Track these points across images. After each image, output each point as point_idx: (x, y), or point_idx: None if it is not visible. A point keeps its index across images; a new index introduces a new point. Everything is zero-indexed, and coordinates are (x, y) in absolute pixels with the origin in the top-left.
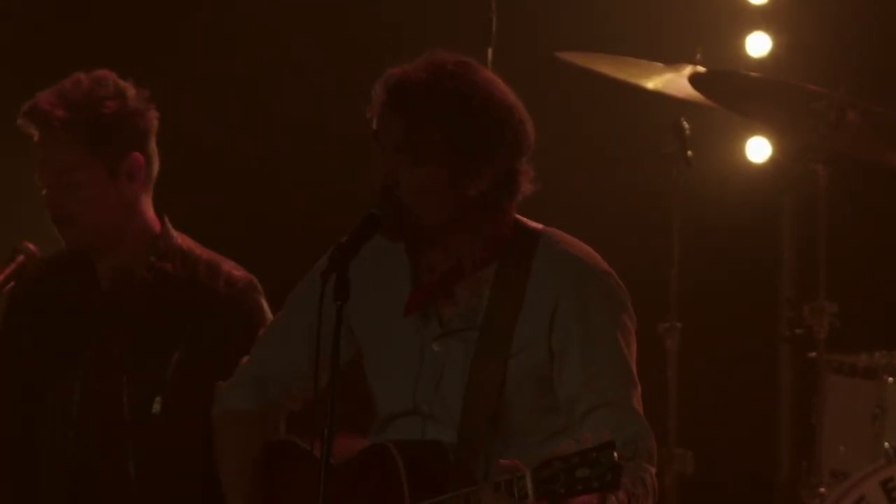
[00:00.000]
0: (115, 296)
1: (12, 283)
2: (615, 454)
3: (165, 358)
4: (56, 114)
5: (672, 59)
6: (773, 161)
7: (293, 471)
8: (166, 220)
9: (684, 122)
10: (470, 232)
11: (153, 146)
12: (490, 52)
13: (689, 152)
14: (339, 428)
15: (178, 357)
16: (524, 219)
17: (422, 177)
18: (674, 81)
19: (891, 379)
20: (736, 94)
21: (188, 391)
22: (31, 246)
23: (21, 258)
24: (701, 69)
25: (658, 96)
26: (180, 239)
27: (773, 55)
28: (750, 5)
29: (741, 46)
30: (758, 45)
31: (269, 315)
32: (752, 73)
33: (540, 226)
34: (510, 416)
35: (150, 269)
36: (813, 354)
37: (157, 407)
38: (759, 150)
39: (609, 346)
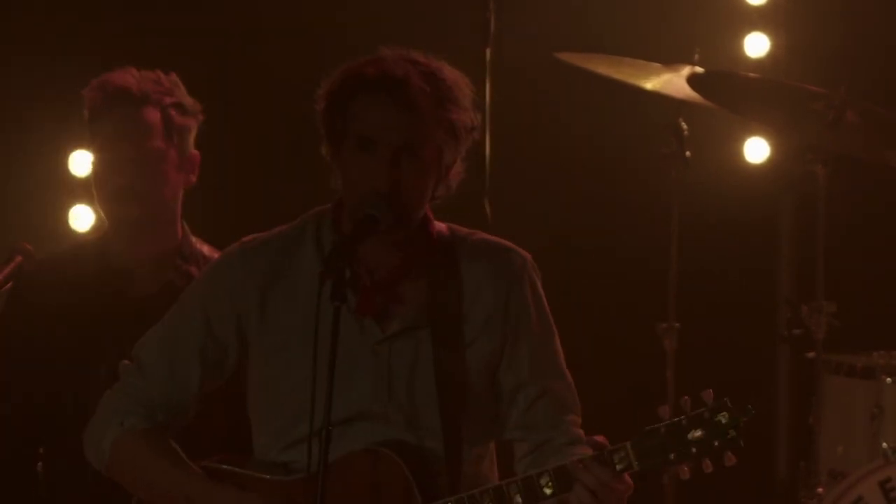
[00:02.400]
0: (144, 298)
1: (10, 284)
2: (731, 410)
3: None
4: (142, 92)
5: (670, 60)
6: (771, 161)
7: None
8: (185, 224)
9: (682, 123)
10: (420, 230)
11: None
12: (488, 52)
13: (688, 153)
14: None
15: None
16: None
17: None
18: (672, 82)
19: (889, 379)
20: (734, 94)
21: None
22: (28, 246)
23: (19, 258)
24: (699, 70)
25: (656, 97)
26: (198, 243)
27: (772, 55)
28: (748, 6)
29: (739, 47)
30: (756, 45)
31: None
32: (751, 74)
33: (441, 223)
34: (472, 408)
35: (176, 271)
36: (811, 355)
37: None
38: (757, 150)
39: (552, 330)
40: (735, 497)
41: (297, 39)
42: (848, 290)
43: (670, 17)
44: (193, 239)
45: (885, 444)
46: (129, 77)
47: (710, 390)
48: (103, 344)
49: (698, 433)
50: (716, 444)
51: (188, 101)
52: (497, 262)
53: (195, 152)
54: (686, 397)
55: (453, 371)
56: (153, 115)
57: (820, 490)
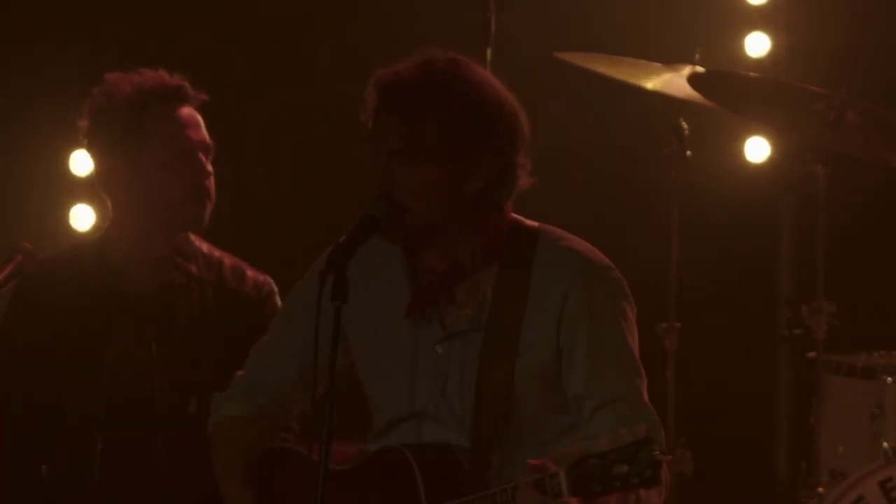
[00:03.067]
0: (142, 296)
1: (13, 283)
2: (655, 450)
3: (199, 361)
4: (187, 88)
5: (671, 60)
6: (771, 161)
7: (292, 477)
8: None
9: (683, 123)
10: (468, 230)
11: None
12: (489, 52)
13: (688, 152)
14: (335, 433)
15: (213, 359)
16: (520, 217)
17: (419, 177)
18: (672, 82)
19: (889, 379)
20: (735, 94)
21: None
22: (28, 246)
23: (19, 258)
24: (700, 69)
25: (657, 96)
26: (197, 241)
27: (772, 55)
28: (749, 5)
29: (740, 47)
30: (757, 45)
31: None
32: (751, 74)
33: (536, 223)
34: (520, 417)
35: (177, 269)
36: (812, 354)
37: (193, 408)
38: (757, 150)
39: (616, 342)
40: (735, 497)
41: (297, 39)
42: (848, 290)
43: (671, 17)
44: (192, 237)
45: (885, 444)
46: (162, 75)
47: (644, 426)
48: (104, 344)
49: (624, 468)
50: (635, 482)
51: None
52: (565, 270)
53: None
54: (624, 430)
55: (497, 379)
56: (194, 109)
57: (820, 490)
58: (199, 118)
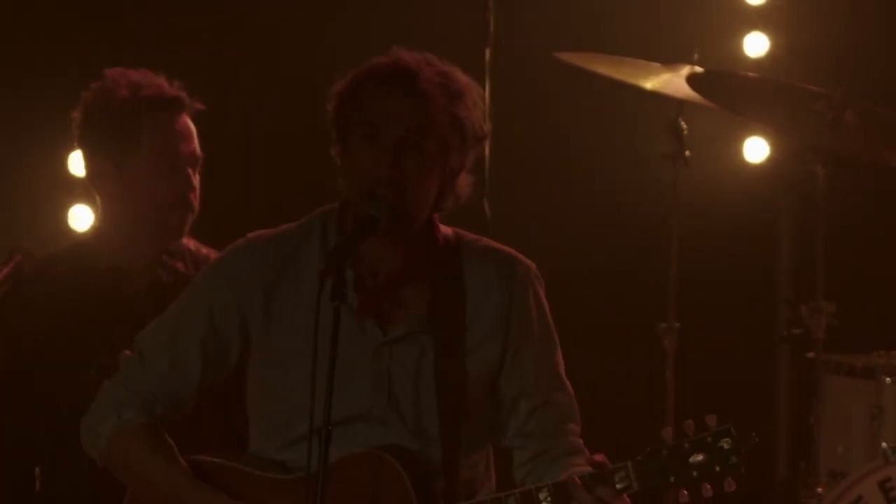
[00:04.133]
0: (128, 298)
1: (9, 285)
2: (734, 438)
3: None
4: (182, 97)
5: (670, 60)
6: (771, 161)
7: (230, 490)
8: None
9: (682, 123)
10: (424, 234)
11: None
12: (488, 52)
13: (687, 152)
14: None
15: None
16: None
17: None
18: (671, 82)
19: (888, 379)
20: (734, 94)
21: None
22: (27, 246)
23: (18, 258)
24: (699, 69)
25: (656, 96)
26: (184, 239)
27: (771, 55)
28: (747, 5)
29: (739, 47)
30: (755, 45)
31: None
32: (750, 74)
33: (448, 228)
34: (471, 416)
35: (164, 268)
36: (811, 354)
37: None
38: (757, 150)
39: (553, 341)
40: (735, 497)
41: (297, 39)
42: (848, 290)
43: (670, 17)
44: None
45: (884, 444)
46: (160, 81)
47: (715, 416)
48: (94, 344)
49: (700, 457)
50: (717, 469)
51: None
52: (501, 270)
53: None
54: (690, 421)
55: (454, 378)
56: (189, 119)
57: (820, 490)
58: (193, 129)
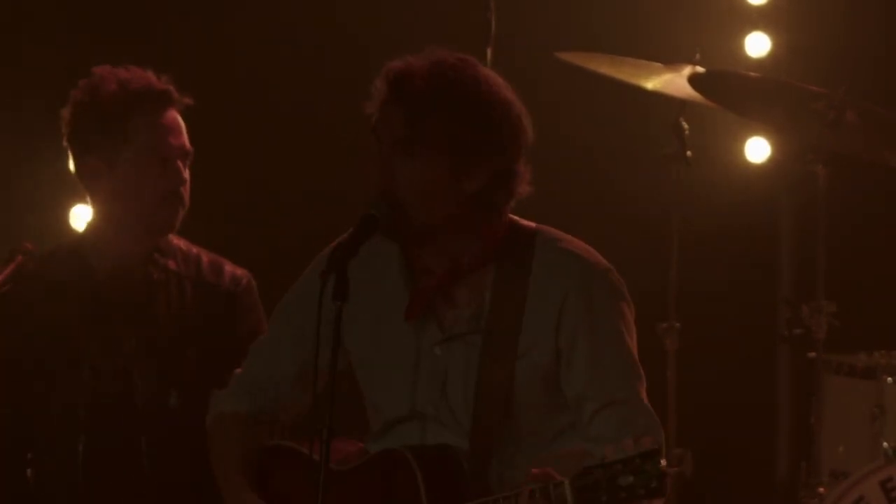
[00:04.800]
0: (121, 294)
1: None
2: (662, 462)
3: (179, 354)
4: (171, 91)
5: (671, 60)
6: (772, 161)
7: (292, 476)
8: None
9: (683, 123)
10: (466, 231)
11: None
12: (489, 52)
13: (689, 152)
14: (336, 432)
15: (192, 354)
16: (517, 218)
17: (420, 170)
18: (673, 81)
19: (889, 379)
20: (735, 94)
21: (203, 387)
22: (29, 246)
23: (20, 258)
24: (700, 69)
25: (657, 96)
26: (174, 238)
27: (772, 55)
28: (749, 5)
29: (740, 46)
30: (757, 45)
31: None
32: (752, 74)
33: (533, 224)
34: (520, 418)
35: (154, 266)
36: (812, 354)
37: (173, 400)
38: (758, 150)
39: (615, 343)
40: (735, 497)
41: (297, 39)
42: (849, 290)
43: (671, 17)
44: (169, 235)
45: (885, 444)
46: (150, 77)
47: (650, 437)
48: (86, 343)
49: (629, 480)
50: (641, 492)
51: None
52: (563, 271)
53: None
54: (629, 440)
55: (497, 381)
56: (178, 114)
57: (821, 490)
58: (182, 123)
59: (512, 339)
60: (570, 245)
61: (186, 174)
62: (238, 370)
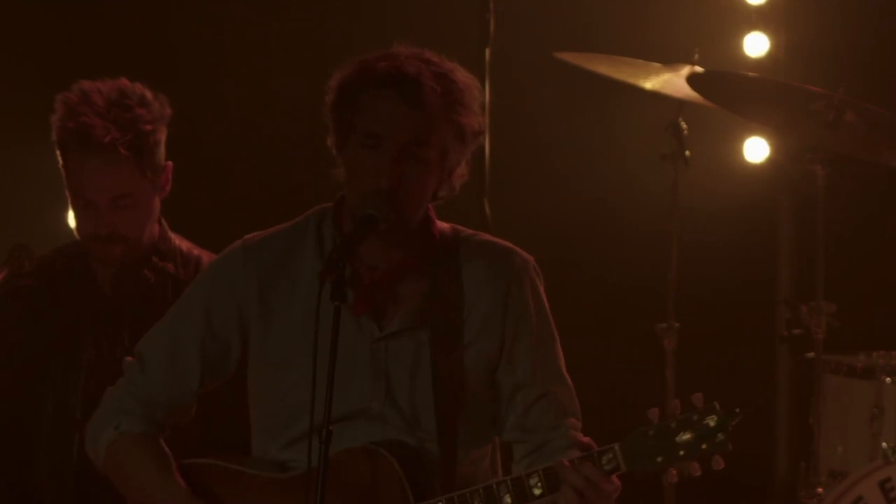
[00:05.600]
0: (117, 297)
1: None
2: (720, 416)
3: None
4: (109, 138)
5: (670, 60)
6: (771, 161)
7: (226, 491)
8: (163, 220)
9: (682, 123)
10: (420, 230)
11: None
12: (488, 52)
13: (687, 152)
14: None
15: None
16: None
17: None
18: (671, 82)
19: (889, 379)
20: (734, 94)
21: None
22: (27, 245)
23: (18, 257)
24: (699, 69)
25: (656, 96)
26: (177, 240)
27: (771, 55)
28: (747, 5)
29: (739, 46)
30: (755, 45)
31: None
32: (750, 74)
33: (445, 223)
34: (470, 408)
35: (152, 269)
36: (811, 355)
37: None
38: (756, 150)
39: (550, 333)
40: (735, 497)
41: (297, 39)
42: (848, 290)
43: (670, 17)
44: (172, 235)
45: (884, 444)
46: (96, 119)
47: (700, 394)
48: (82, 346)
49: (686, 436)
50: (703, 447)
51: (154, 108)
52: (498, 264)
53: (167, 165)
54: (676, 400)
55: (451, 372)
56: (123, 161)
57: (820, 490)
58: (112, 167)
59: (457, 329)
60: (490, 238)
61: (112, 217)
62: (129, 359)
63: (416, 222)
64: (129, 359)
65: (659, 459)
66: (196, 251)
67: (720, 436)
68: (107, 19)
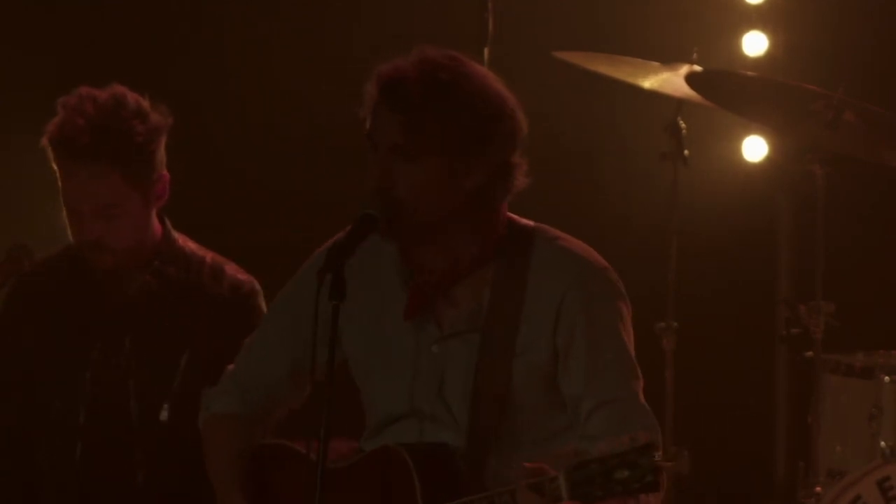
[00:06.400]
0: (120, 301)
1: (8, 285)
2: (657, 456)
3: (173, 364)
4: (95, 149)
5: (669, 59)
6: (769, 160)
7: (287, 474)
8: (167, 222)
9: (681, 122)
10: (467, 229)
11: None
12: (486, 51)
13: (686, 152)
14: (332, 432)
15: (185, 363)
16: (515, 216)
17: (420, 172)
18: (670, 81)
19: (887, 378)
20: (732, 93)
21: (195, 396)
22: (27, 245)
23: (18, 257)
24: (697, 68)
25: (655, 96)
26: (182, 241)
27: (770, 54)
28: (746, 5)
29: (738, 46)
30: (754, 44)
31: None
32: (749, 73)
33: (531, 223)
34: (517, 417)
35: (153, 273)
36: (810, 354)
37: (164, 414)
38: (755, 149)
39: (613, 342)
40: (733, 496)
41: (297, 39)
42: (847, 290)
43: (668, 16)
44: (176, 236)
45: (883, 444)
46: (86, 128)
47: (645, 432)
48: (86, 350)
49: (624, 474)
50: (636, 486)
51: (150, 120)
52: (565, 267)
53: (163, 175)
54: (626, 436)
55: (494, 379)
56: (109, 172)
57: (818, 489)
58: (97, 177)
59: (510, 337)
60: (568, 243)
61: (99, 226)
62: (230, 366)
63: (445, 218)
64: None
65: (599, 494)
66: (201, 252)
67: (649, 476)
68: (108, 19)
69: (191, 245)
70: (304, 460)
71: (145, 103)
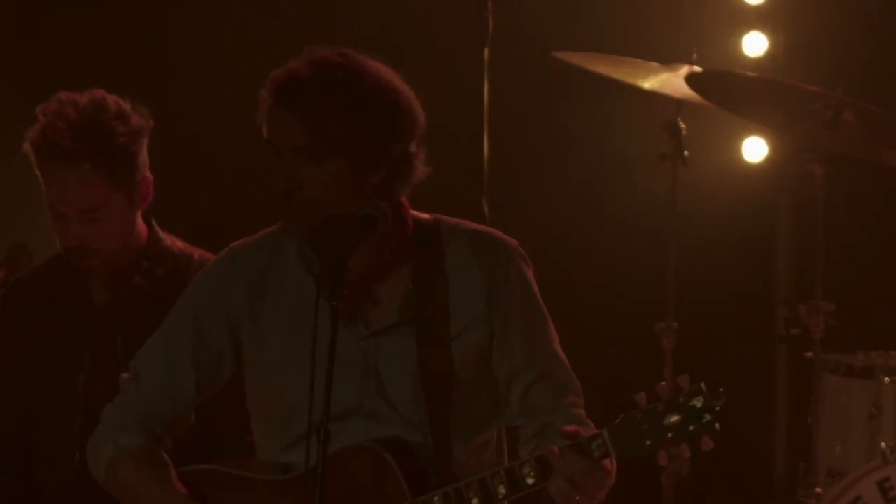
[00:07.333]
0: (109, 304)
1: (9, 285)
2: (705, 396)
3: None
4: (77, 151)
5: (668, 59)
6: (769, 161)
7: (230, 496)
8: (153, 222)
9: (681, 122)
10: (392, 226)
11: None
12: (486, 51)
13: (686, 152)
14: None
15: None
16: (412, 210)
17: (327, 172)
18: (670, 81)
19: (887, 379)
20: (732, 94)
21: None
22: (26, 245)
23: (17, 257)
24: (697, 69)
25: (654, 96)
26: (169, 240)
27: (770, 55)
28: (746, 5)
29: (738, 46)
30: (754, 44)
31: None
32: (749, 73)
33: (427, 214)
34: (463, 400)
35: (142, 274)
36: (809, 354)
37: None
38: (755, 149)
39: (541, 315)
40: (734, 497)
41: (297, 39)
42: (846, 290)
43: (668, 17)
44: (163, 236)
45: (883, 444)
46: (67, 132)
47: (686, 376)
48: (78, 353)
49: (674, 418)
50: (691, 428)
51: (131, 122)
52: (481, 251)
53: (147, 177)
54: (663, 383)
55: (439, 365)
56: (92, 175)
57: (818, 490)
58: (79, 180)
59: (443, 323)
60: (474, 226)
61: (83, 230)
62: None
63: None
64: (125, 375)
65: (648, 443)
66: (188, 250)
67: (707, 416)
68: (108, 19)
69: (179, 244)
70: (242, 480)
71: (126, 105)
